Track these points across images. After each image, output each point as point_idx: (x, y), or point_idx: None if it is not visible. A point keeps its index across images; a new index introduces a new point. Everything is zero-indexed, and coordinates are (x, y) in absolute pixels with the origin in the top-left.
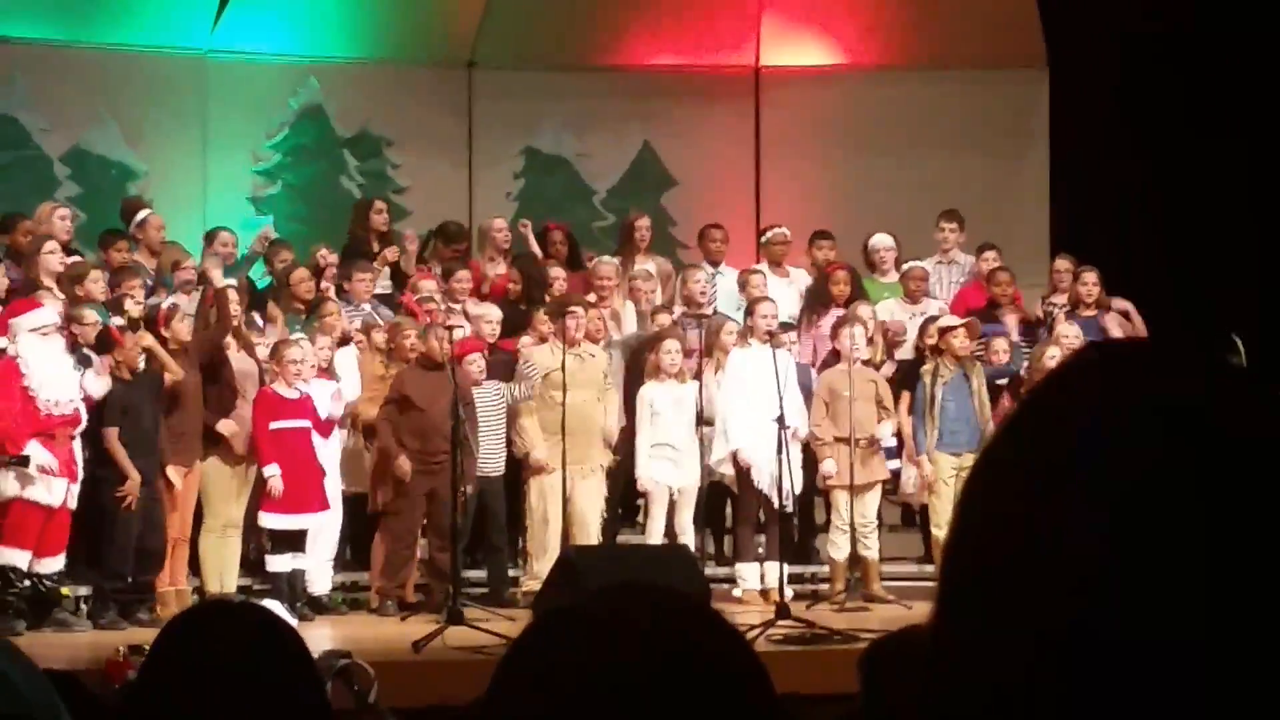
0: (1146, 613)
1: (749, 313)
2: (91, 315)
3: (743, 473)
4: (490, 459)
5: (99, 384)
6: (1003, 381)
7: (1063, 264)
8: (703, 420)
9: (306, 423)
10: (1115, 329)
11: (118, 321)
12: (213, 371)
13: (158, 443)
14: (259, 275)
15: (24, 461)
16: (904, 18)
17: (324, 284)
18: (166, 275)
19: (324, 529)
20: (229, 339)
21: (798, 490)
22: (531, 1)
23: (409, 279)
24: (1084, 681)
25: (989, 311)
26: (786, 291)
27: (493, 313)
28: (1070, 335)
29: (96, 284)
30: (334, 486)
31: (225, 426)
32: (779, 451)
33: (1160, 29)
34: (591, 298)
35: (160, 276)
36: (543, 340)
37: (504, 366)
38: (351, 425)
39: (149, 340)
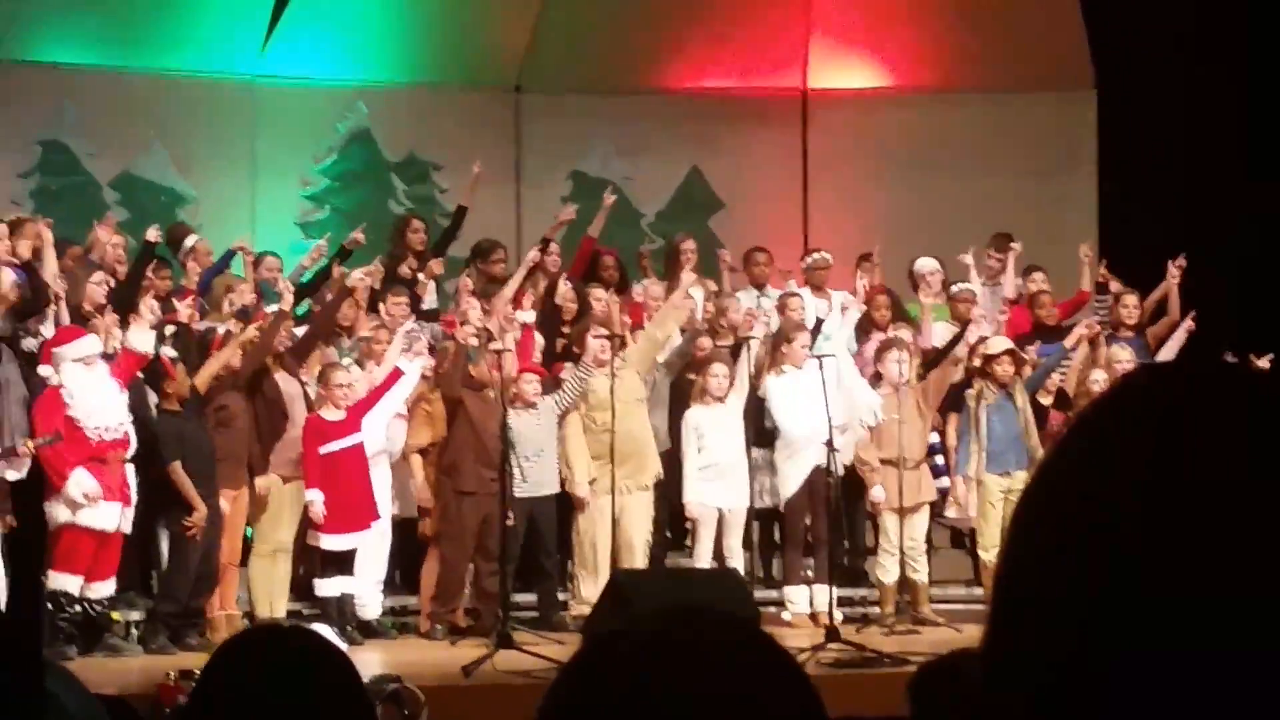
0: (1208, 635)
1: (787, 340)
2: (143, 342)
3: (793, 496)
4: (542, 480)
5: (143, 337)
6: (1047, 401)
7: (1114, 287)
8: (752, 442)
9: (357, 439)
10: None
11: (169, 353)
12: (260, 394)
13: (213, 468)
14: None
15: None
16: (951, 40)
17: (362, 307)
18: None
19: (373, 551)
20: (271, 361)
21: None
22: (578, 25)
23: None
24: (1141, 704)
25: (1034, 335)
26: (828, 314)
27: (527, 317)
28: (1123, 359)
29: (148, 312)
30: (384, 505)
31: (260, 484)
32: (827, 474)
33: (1208, 50)
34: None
35: (213, 303)
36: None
37: (551, 387)
38: (402, 452)
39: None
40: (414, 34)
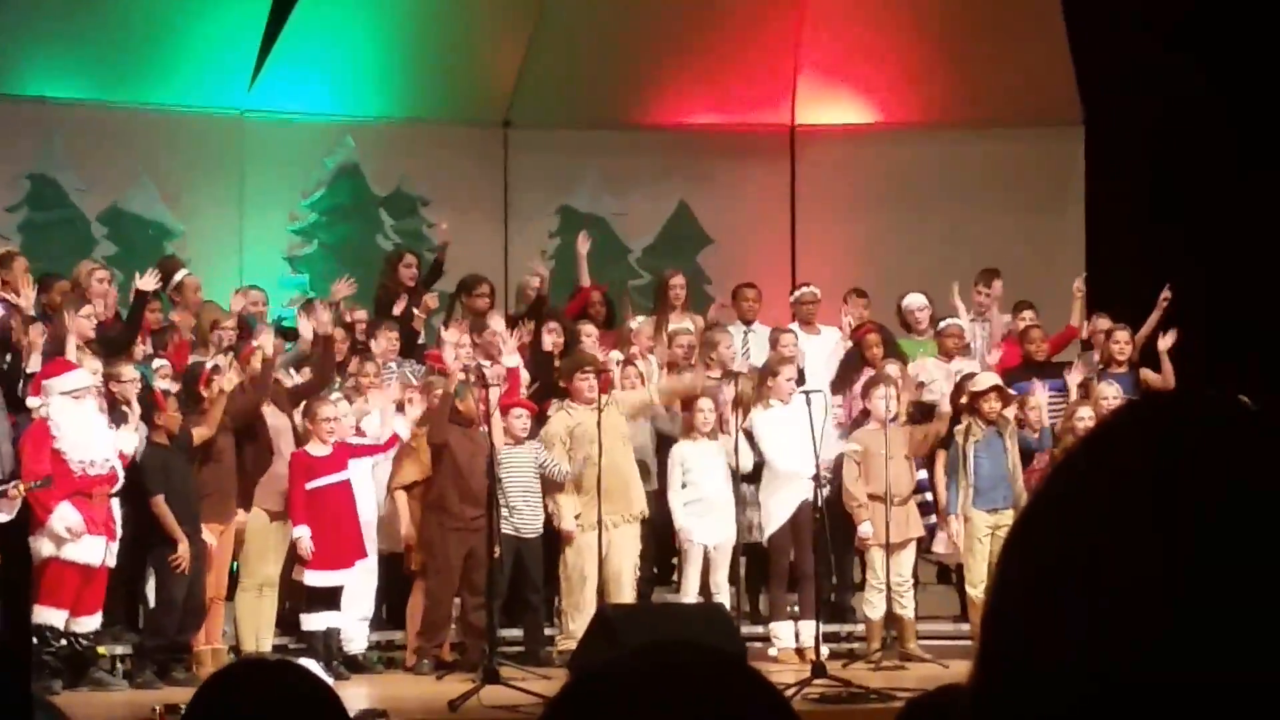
0: (1200, 668)
1: (772, 374)
2: (130, 372)
3: (777, 531)
4: (528, 520)
5: (130, 440)
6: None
7: (1102, 323)
8: (739, 478)
9: (344, 475)
10: (1155, 382)
11: (161, 385)
12: (248, 429)
13: (198, 502)
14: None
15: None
16: (939, 76)
17: (352, 341)
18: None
19: (360, 586)
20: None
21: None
22: (567, 60)
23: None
24: None
25: (1023, 370)
26: (818, 350)
27: (513, 361)
28: (1109, 395)
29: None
30: (370, 541)
31: (239, 519)
32: (815, 508)
33: (1196, 85)
34: (619, 356)
35: (201, 336)
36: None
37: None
38: (388, 488)
39: (232, 383)
40: (402, 69)
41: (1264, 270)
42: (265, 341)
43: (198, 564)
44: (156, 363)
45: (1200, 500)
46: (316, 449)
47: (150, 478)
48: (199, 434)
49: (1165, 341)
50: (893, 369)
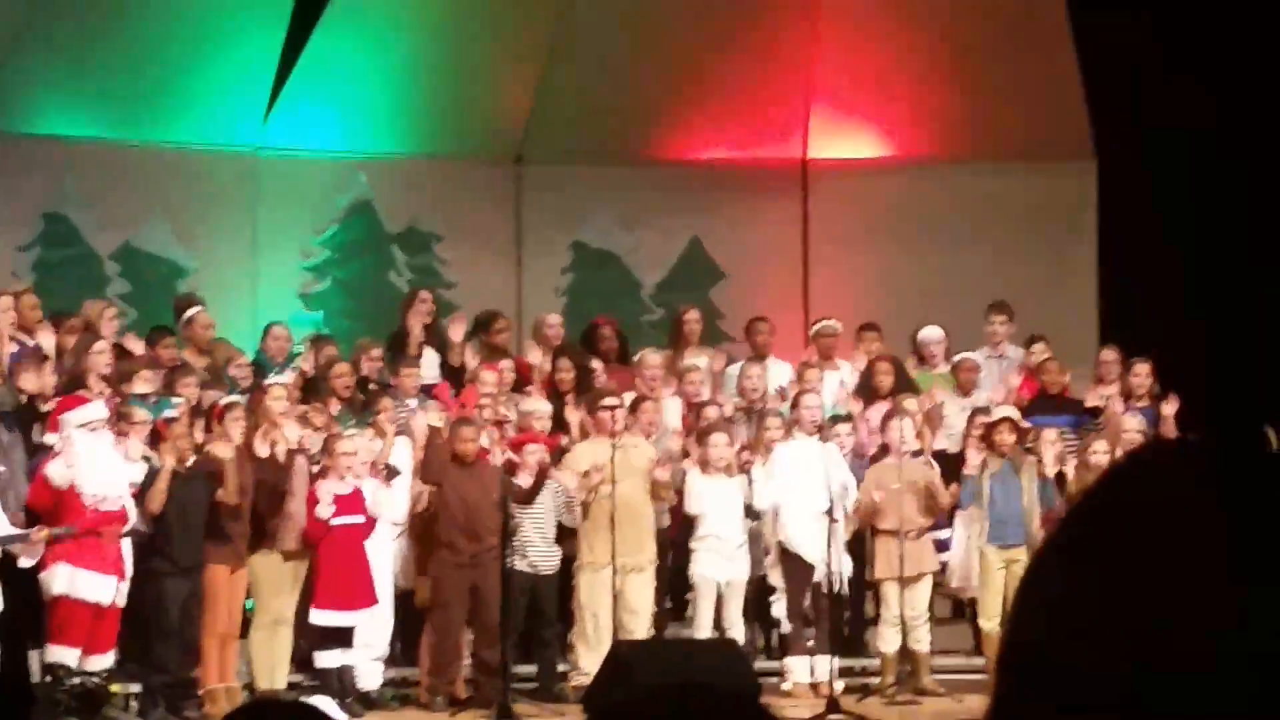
0: (1222, 706)
1: (794, 405)
2: (141, 414)
3: (792, 566)
4: (543, 558)
5: (139, 470)
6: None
7: (1109, 355)
8: (750, 514)
9: (359, 518)
10: (1173, 424)
11: (169, 413)
12: (263, 467)
13: (203, 538)
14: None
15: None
16: (952, 111)
17: (369, 379)
18: (223, 373)
19: (374, 624)
20: (276, 436)
21: (847, 575)
22: (579, 97)
23: (461, 371)
24: None
25: (1039, 403)
26: (834, 384)
27: (542, 408)
28: (1131, 428)
29: (145, 382)
30: (384, 582)
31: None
32: (828, 544)
33: (1208, 121)
34: (633, 393)
35: (217, 374)
36: (583, 434)
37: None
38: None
39: (228, 454)
40: (415, 106)
41: (1275, 304)
42: (242, 380)
43: (195, 600)
44: (175, 400)
45: (1221, 539)
46: (335, 485)
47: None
48: (222, 495)
49: (1169, 407)
50: (911, 403)
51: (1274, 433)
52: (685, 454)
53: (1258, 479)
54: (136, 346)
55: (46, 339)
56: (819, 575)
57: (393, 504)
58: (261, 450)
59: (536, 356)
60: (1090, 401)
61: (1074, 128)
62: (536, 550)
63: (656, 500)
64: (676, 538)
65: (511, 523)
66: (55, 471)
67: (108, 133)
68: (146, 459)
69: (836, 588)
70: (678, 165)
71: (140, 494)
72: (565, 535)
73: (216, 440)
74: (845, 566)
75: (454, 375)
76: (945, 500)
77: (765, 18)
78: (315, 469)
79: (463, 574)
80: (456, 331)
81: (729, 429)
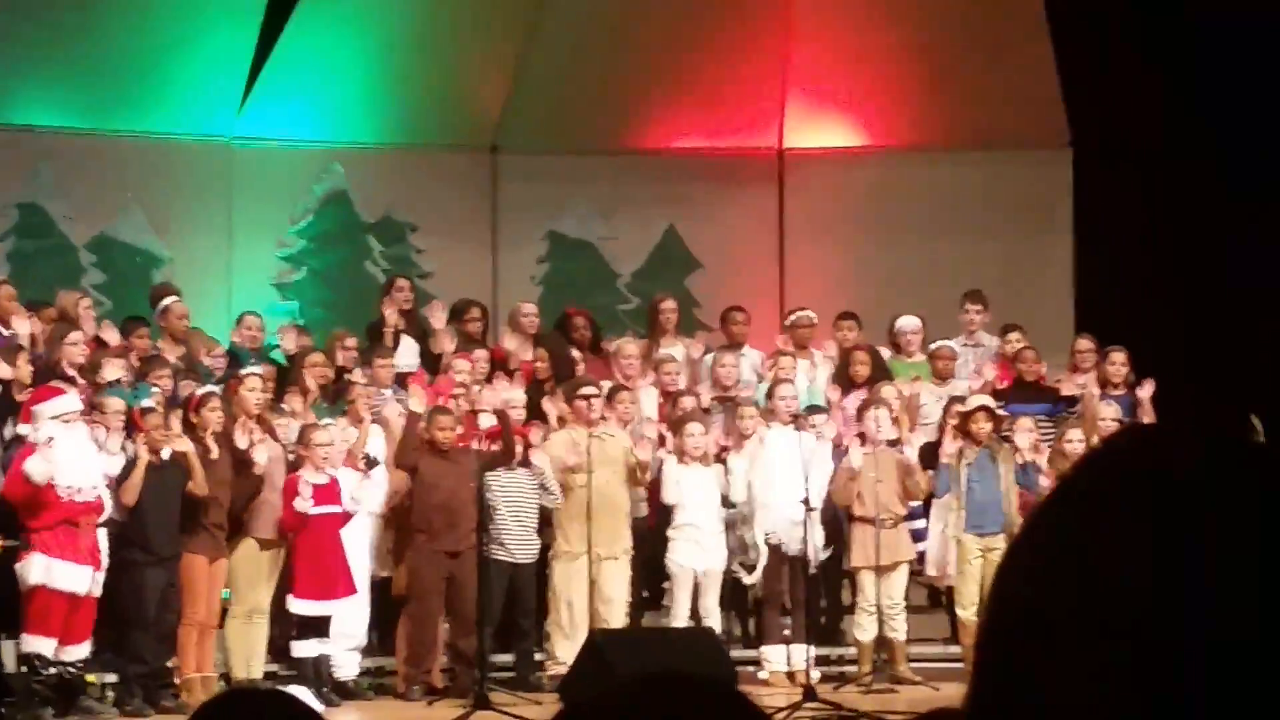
0: (1204, 693)
1: (769, 395)
2: (115, 404)
3: (768, 555)
4: (521, 546)
5: (116, 463)
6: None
7: (1084, 344)
8: (727, 503)
9: (335, 508)
10: (1149, 408)
11: (145, 403)
12: (240, 458)
13: (179, 529)
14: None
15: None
16: (927, 99)
17: (345, 369)
18: (198, 364)
19: (351, 614)
20: (253, 424)
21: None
22: (555, 86)
23: (440, 359)
24: None
25: (1015, 391)
26: (810, 374)
27: (517, 397)
28: (1108, 416)
29: (115, 370)
30: (361, 572)
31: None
32: (804, 533)
33: (1183, 109)
34: (609, 382)
35: (192, 364)
36: (561, 423)
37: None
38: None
39: (189, 447)
40: (390, 95)
41: (1250, 293)
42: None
43: (173, 590)
44: (153, 389)
45: (1199, 524)
46: (312, 475)
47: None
48: (193, 488)
49: (1145, 390)
50: (888, 391)
51: (1258, 420)
52: (662, 441)
53: (1233, 466)
54: (113, 337)
55: (22, 325)
56: (794, 552)
57: (372, 495)
58: (240, 442)
59: (513, 345)
60: (1066, 390)
61: (1050, 116)
62: (515, 538)
63: (634, 484)
64: (654, 527)
65: (489, 510)
66: (34, 468)
67: (82, 123)
68: (124, 449)
69: (812, 570)
70: (654, 154)
71: (117, 485)
72: (544, 524)
73: (174, 437)
74: (821, 555)
75: (434, 363)
76: (923, 484)
77: (741, 7)
78: (291, 458)
79: (440, 564)
80: (438, 319)
81: (705, 419)
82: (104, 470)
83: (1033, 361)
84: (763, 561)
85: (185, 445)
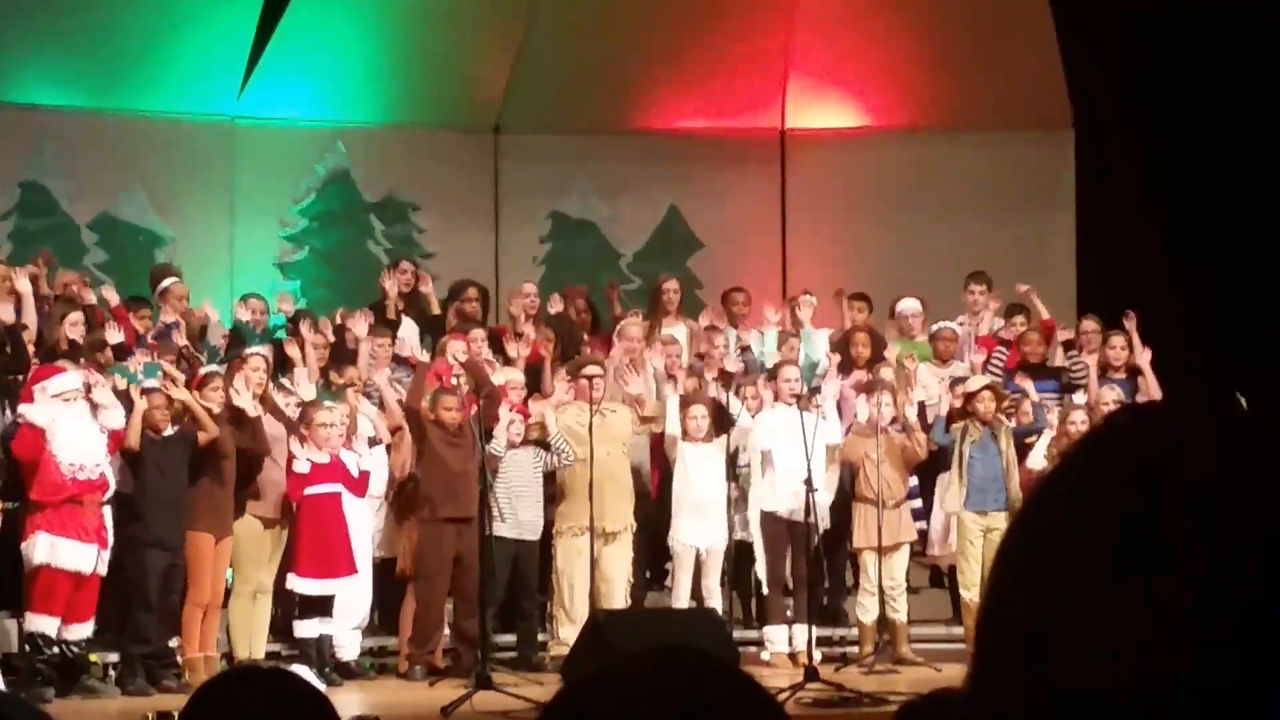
0: (1202, 672)
1: (772, 376)
2: (117, 383)
3: (771, 534)
4: (525, 524)
5: (113, 416)
6: (1032, 439)
7: (1090, 325)
8: (733, 471)
9: (338, 487)
10: (1153, 389)
11: (150, 383)
12: (245, 436)
13: (184, 506)
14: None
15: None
16: (929, 80)
17: (346, 347)
18: (202, 344)
19: (353, 594)
20: (256, 403)
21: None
22: (557, 66)
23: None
24: None
25: (1020, 373)
26: (813, 354)
27: (517, 378)
28: (1109, 400)
29: (114, 335)
30: (363, 552)
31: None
32: (807, 513)
33: (1186, 89)
34: (611, 360)
35: (195, 344)
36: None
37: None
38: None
39: (184, 394)
40: (392, 74)
41: (1251, 272)
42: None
43: (177, 570)
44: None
45: (1199, 502)
46: (314, 454)
47: (140, 469)
48: (204, 437)
49: (1144, 357)
50: (887, 372)
51: (1244, 400)
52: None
53: (1229, 441)
54: (113, 296)
55: (22, 284)
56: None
57: (378, 475)
58: (249, 407)
59: (517, 326)
60: (1061, 362)
61: (1052, 96)
62: (519, 516)
63: (645, 424)
64: (656, 505)
65: (492, 483)
66: (34, 413)
67: (85, 102)
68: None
69: (814, 545)
70: (656, 135)
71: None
72: (548, 502)
73: (177, 386)
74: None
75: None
76: (923, 445)
77: None
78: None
79: (447, 543)
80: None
81: (706, 399)
82: (107, 425)
83: (1036, 344)
84: (759, 544)
85: (184, 394)
